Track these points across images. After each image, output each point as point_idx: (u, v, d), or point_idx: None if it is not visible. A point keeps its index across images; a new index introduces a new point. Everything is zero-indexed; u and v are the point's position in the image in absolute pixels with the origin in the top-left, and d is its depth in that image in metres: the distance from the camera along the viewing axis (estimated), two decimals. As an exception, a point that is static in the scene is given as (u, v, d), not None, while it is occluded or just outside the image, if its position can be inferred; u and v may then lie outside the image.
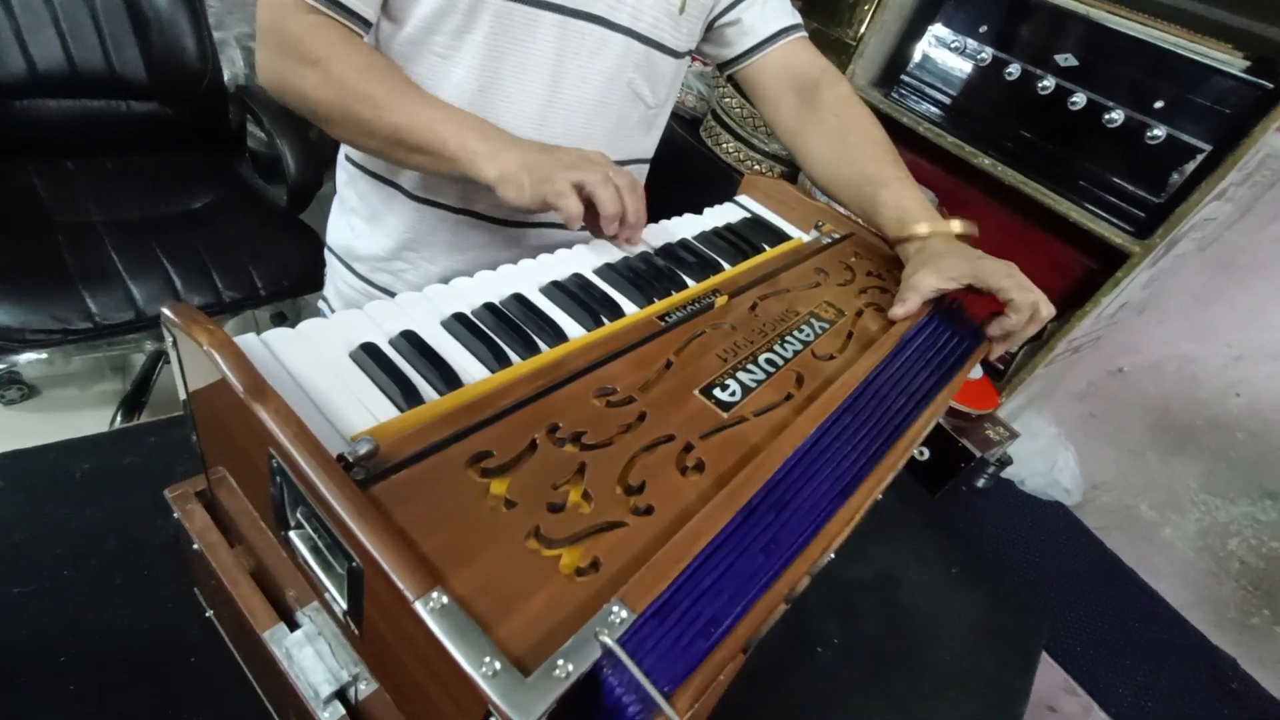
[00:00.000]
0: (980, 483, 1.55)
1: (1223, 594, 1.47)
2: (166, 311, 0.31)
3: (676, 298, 0.50)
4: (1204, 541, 1.49)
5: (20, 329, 1.03)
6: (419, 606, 0.22)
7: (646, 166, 0.85)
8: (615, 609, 0.25)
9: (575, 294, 0.47)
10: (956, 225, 0.63)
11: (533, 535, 0.27)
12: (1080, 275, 1.27)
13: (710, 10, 0.75)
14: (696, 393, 0.39)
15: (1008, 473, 1.63)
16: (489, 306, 0.43)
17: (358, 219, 0.78)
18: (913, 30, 1.45)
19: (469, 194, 0.71)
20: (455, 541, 0.26)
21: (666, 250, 0.58)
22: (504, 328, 0.42)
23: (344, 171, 0.78)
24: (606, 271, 0.52)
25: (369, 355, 0.36)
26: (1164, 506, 1.54)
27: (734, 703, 0.56)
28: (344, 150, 0.77)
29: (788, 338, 0.47)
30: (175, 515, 0.40)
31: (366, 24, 0.60)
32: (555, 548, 0.27)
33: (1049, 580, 1.51)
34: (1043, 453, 1.65)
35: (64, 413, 1.44)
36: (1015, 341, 0.60)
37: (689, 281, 0.54)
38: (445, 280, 0.46)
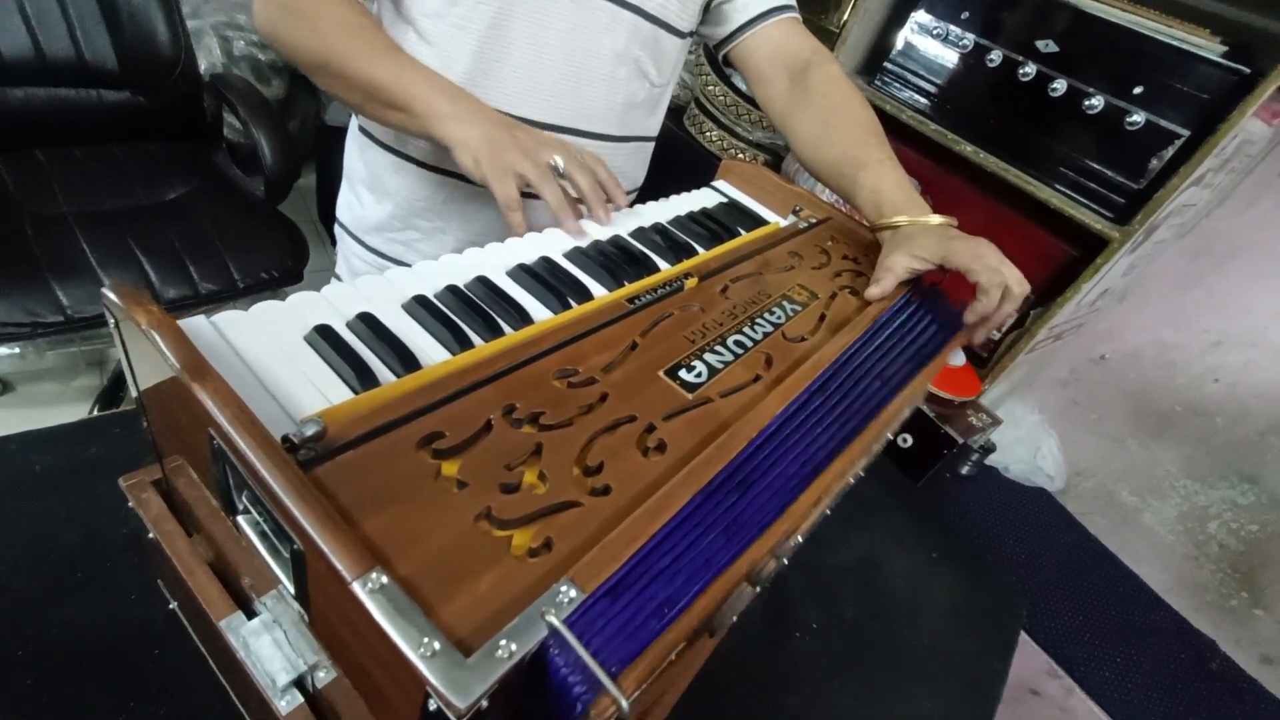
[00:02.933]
0: (964, 470, 1.56)
1: (1202, 577, 1.49)
2: (107, 293, 0.30)
3: (647, 281, 0.49)
4: (1183, 525, 1.51)
5: (-12, 322, 1.01)
6: (356, 587, 0.22)
7: (651, 145, 0.86)
8: (564, 589, 0.24)
9: (542, 277, 0.47)
10: (935, 220, 0.63)
11: (484, 516, 0.27)
12: (1062, 262, 1.27)
13: None
14: (661, 374, 0.38)
15: (992, 460, 1.64)
16: (452, 289, 0.42)
17: (365, 190, 0.78)
18: (896, 17, 1.45)
19: None
20: (401, 523, 0.25)
21: (639, 234, 0.58)
22: (467, 310, 0.41)
23: (354, 143, 0.79)
24: (576, 255, 0.52)
25: (324, 338, 0.35)
26: (1144, 491, 1.56)
27: (710, 689, 0.56)
28: (354, 122, 0.78)
29: (758, 320, 0.47)
30: (130, 504, 0.39)
31: None
32: (507, 529, 0.27)
33: (1032, 565, 1.53)
34: (1026, 440, 1.66)
35: (39, 409, 1.42)
36: (993, 324, 0.60)
37: (661, 265, 0.54)
38: (459, 250, 0.47)
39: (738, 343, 0.44)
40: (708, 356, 0.41)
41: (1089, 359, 1.59)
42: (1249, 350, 1.36)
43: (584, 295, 0.47)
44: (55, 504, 0.53)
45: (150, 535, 0.38)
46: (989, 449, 1.53)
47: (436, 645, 0.21)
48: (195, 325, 0.33)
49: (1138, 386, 1.52)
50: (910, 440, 1.25)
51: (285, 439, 0.27)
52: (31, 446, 0.56)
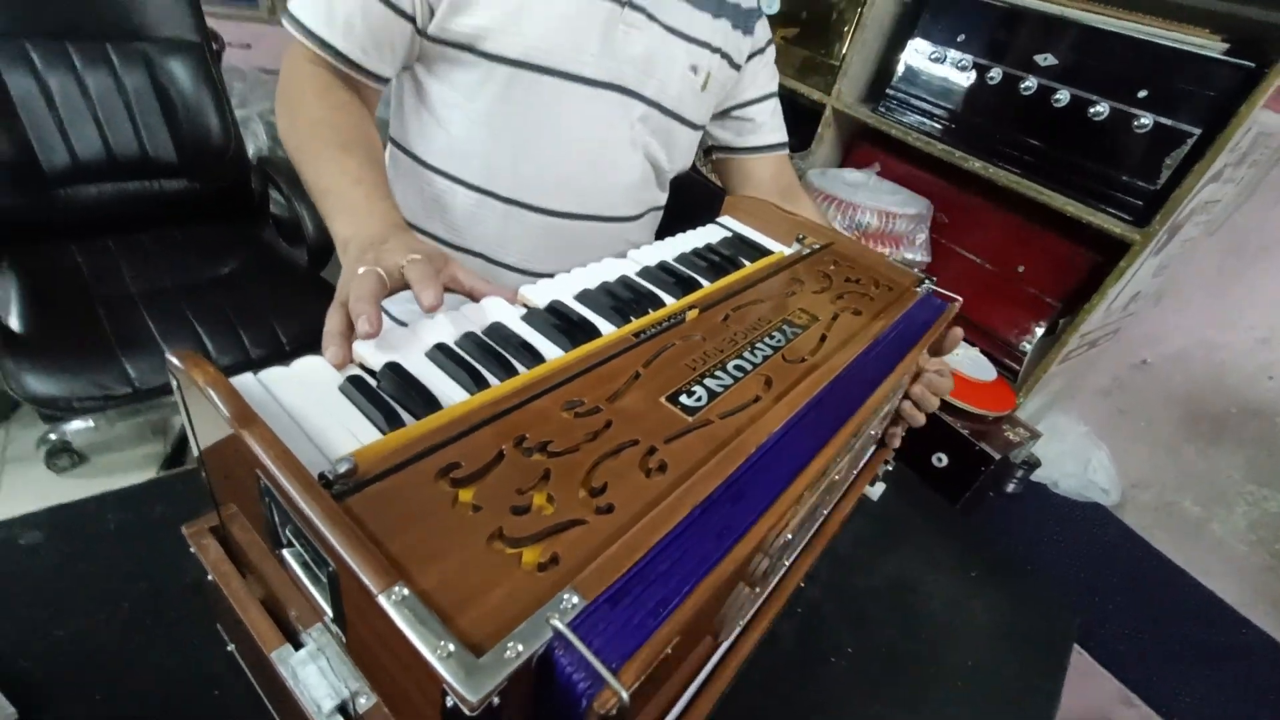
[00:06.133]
0: (1010, 488, 1.51)
1: (1283, 589, 1.40)
2: (171, 358, 0.34)
3: (652, 316, 0.53)
4: (1256, 535, 1.42)
5: (67, 398, 1.11)
6: (382, 599, 0.24)
7: (661, 212, 0.91)
8: (567, 597, 0.26)
9: (552, 319, 0.50)
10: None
11: (496, 536, 0.30)
12: (1086, 269, 1.26)
13: (727, 97, 0.81)
14: (663, 400, 0.41)
15: (1039, 476, 1.59)
16: (469, 335, 0.46)
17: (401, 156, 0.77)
18: (894, 45, 1.49)
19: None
20: (422, 544, 0.28)
21: (645, 272, 0.61)
22: (483, 354, 0.45)
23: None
24: (585, 296, 0.55)
25: (355, 387, 0.39)
26: (1208, 501, 1.48)
27: (743, 715, 0.56)
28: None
29: (758, 344, 0.49)
30: (192, 550, 0.43)
31: (364, 70, 0.63)
32: (517, 546, 0.29)
33: (1094, 585, 1.45)
34: (1074, 453, 1.60)
35: (111, 476, 1.52)
36: None
37: (667, 300, 0.57)
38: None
39: (737, 367, 0.46)
40: (708, 381, 0.44)
41: (1130, 365, 1.54)
42: (1300, 344, 1.30)
43: (593, 334, 0.50)
44: (127, 558, 0.57)
45: (209, 577, 0.42)
46: (1033, 464, 1.48)
47: (451, 648, 0.23)
48: (244, 382, 0.38)
49: (1186, 390, 1.46)
50: (946, 459, 1.23)
51: (321, 476, 0.31)
52: (108, 506, 0.61)
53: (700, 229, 0.75)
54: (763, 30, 0.81)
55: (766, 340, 0.50)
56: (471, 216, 0.72)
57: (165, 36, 1.38)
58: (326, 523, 0.26)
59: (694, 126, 0.79)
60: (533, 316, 0.51)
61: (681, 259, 0.66)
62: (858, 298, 0.62)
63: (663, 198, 0.88)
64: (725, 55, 0.77)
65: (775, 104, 0.86)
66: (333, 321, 0.45)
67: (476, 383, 0.42)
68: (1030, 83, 1.23)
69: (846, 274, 0.66)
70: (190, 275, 1.38)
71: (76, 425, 1.44)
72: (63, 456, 1.46)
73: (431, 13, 0.64)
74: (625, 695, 0.23)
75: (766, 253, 0.72)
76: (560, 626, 0.25)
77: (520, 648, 0.24)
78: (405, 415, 0.39)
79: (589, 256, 0.77)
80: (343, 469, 0.31)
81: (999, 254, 1.39)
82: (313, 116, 0.60)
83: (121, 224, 1.42)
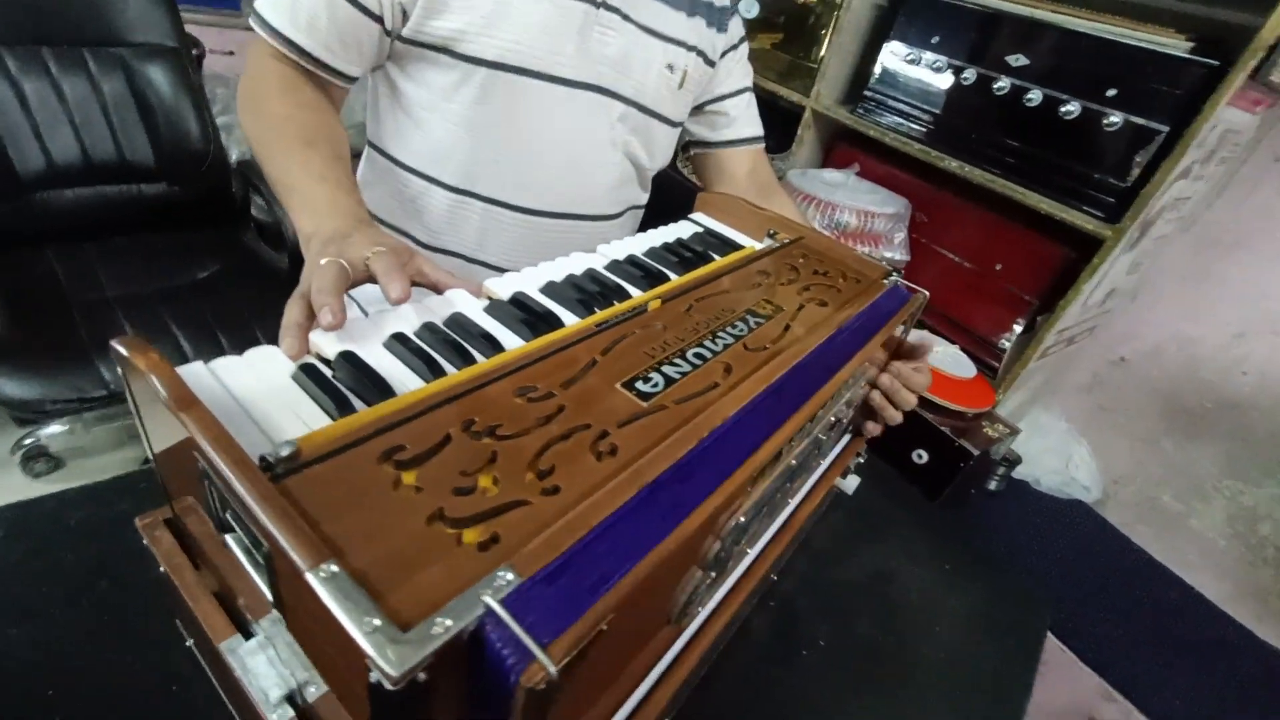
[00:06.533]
0: (991, 485, 1.52)
1: (1262, 581, 1.41)
2: (115, 345, 0.34)
3: (617, 308, 0.53)
4: (1234, 529, 1.44)
5: (41, 400, 1.10)
6: (310, 576, 0.24)
7: (642, 209, 0.91)
8: (502, 574, 0.26)
9: (515, 311, 0.50)
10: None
11: (437, 517, 0.29)
12: (1060, 265, 1.27)
13: (703, 92, 0.82)
14: (619, 386, 0.41)
15: (1021, 473, 1.60)
16: (429, 326, 0.46)
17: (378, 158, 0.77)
18: (871, 48, 1.51)
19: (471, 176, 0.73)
20: (360, 524, 0.28)
21: (613, 266, 0.61)
22: (441, 344, 0.45)
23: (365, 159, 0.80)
24: (550, 288, 0.55)
25: (308, 375, 0.39)
26: (1187, 495, 1.49)
27: (715, 710, 0.56)
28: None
29: (720, 334, 0.50)
30: (145, 541, 0.43)
31: (329, 69, 0.63)
32: (458, 527, 0.29)
33: (1075, 580, 1.46)
34: (1055, 449, 1.62)
35: (88, 480, 1.50)
36: None
37: (634, 293, 0.57)
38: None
39: (697, 355, 0.46)
40: (665, 369, 0.44)
41: (1109, 361, 1.56)
42: (1272, 338, 1.32)
43: (555, 325, 0.50)
44: (88, 555, 0.57)
45: (161, 569, 0.42)
46: (1013, 460, 1.49)
47: (377, 622, 0.23)
48: (193, 370, 0.37)
49: (1164, 385, 1.48)
50: (925, 456, 1.24)
51: (262, 459, 0.30)
52: (69, 503, 0.60)
53: (672, 225, 0.76)
54: (736, 27, 0.83)
55: (729, 330, 0.50)
56: (450, 217, 0.73)
57: (143, 42, 1.38)
58: (260, 502, 0.26)
59: (672, 124, 0.80)
60: (495, 308, 0.51)
61: (651, 253, 0.66)
62: (825, 289, 0.63)
63: (643, 196, 0.89)
64: (700, 53, 0.78)
65: (750, 98, 0.87)
66: (291, 313, 0.45)
67: (433, 371, 0.42)
68: (1003, 83, 1.25)
69: (815, 266, 0.67)
70: (169, 280, 1.37)
71: (52, 429, 1.42)
72: (39, 461, 1.44)
73: (405, 15, 0.64)
74: (554, 670, 0.23)
75: (737, 247, 0.72)
76: (490, 602, 0.25)
77: (449, 623, 0.24)
78: (358, 403, 0.39)
79: (569, 253, 0.78)
80: (284, 452, 0.31)
81: (977, 252, 1.40)
82: (277, 113, 0.60)
83: (99, 228, 1.41)
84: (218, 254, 1.46)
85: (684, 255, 0.66)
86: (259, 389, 0.38)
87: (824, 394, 0.45)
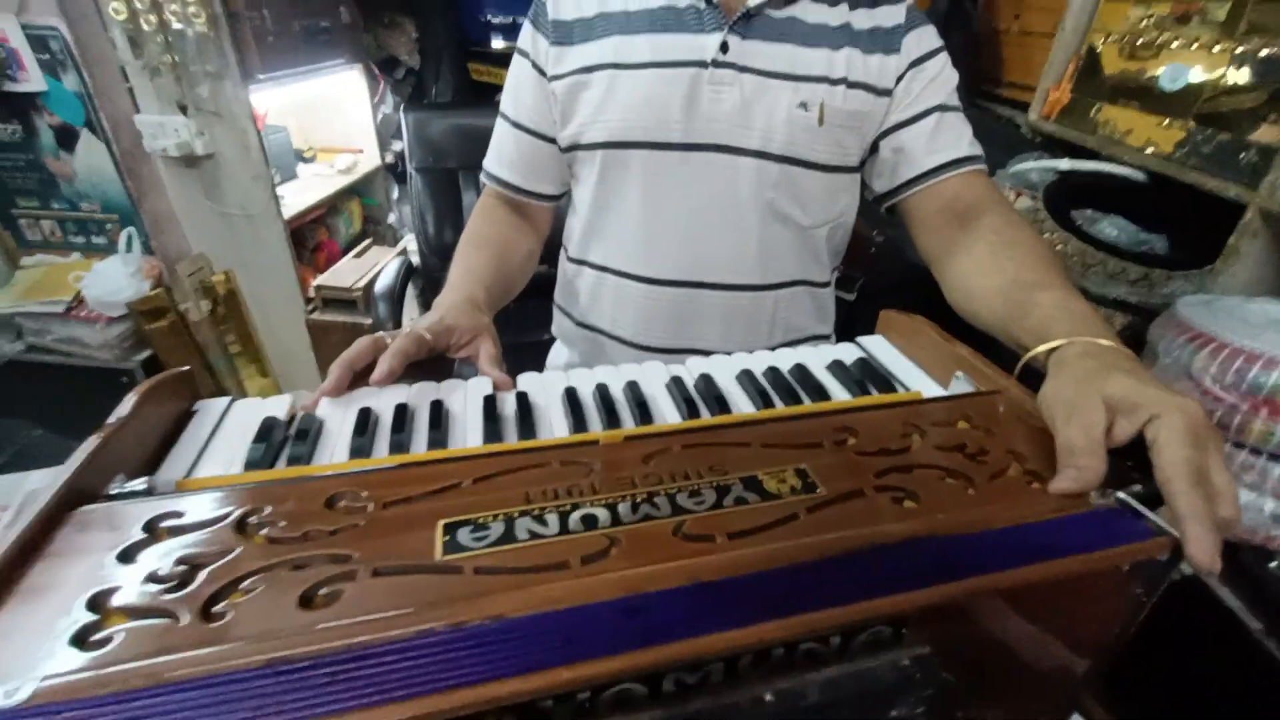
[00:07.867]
0: None
1: None
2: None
3: (583, 436, 0.43)
4: None
5: None
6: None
7: (825, 290, 0.78)
8: (13, 688, 0.24)
9: (502, 411, 0.46)
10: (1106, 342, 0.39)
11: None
12: None
13: (880, 124, 0.68)
14: (440, 524, 0.33)
15: None
16: (400, 407, 0.46)
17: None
18: None
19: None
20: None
21: (675, 381, 0.51)
22: (394, 427, 0.44)
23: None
24: (572, 393, 0.48)
25: (265, 425, 0.44)
26: None
27: None
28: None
29: (658, 498, 0.35)
30: None
31: (527, 192, 0.76)
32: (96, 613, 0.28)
33: None
34: None
35: None
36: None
37: (672, 417, 0.47)
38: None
39: (587, 517, 0.33)
40: (522, 521, 0.33)
41: None
42: None
43: (527, 433, 0.44)
44: None
45: None
46: None
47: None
48: (217, 403, 0.46)
49: None
50: None
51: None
52: None
53: (839, 344, 0.59)
54: (917, 43, 0.67)
55: (679, 497, 0.35)
56: (592, 295, 0.76)
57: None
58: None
59: (823, 168, 0.68)
60: (490, 402, 0.47)
61: (769, 372, 0.52)
62: (942, 480, 0.37)
63: (815, 272, 0.75)
64: (855, 84, 0.65)
65: (937, 119, 0.66)
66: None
67: (355, 455, 0.42)
68: None
69: (981, 442, 0.41)
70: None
71: None
72: None
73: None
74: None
75: (894, 388, 0.51)
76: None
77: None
78: (280, 463, 0.42)
79: (708, 328, 0.72)
80: (136, 486, 0.35)
81: None
82: (470, 229, 0.75)
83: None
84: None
85: (789, 383, 0.50)
86: (236, 430, 0.44)
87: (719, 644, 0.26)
